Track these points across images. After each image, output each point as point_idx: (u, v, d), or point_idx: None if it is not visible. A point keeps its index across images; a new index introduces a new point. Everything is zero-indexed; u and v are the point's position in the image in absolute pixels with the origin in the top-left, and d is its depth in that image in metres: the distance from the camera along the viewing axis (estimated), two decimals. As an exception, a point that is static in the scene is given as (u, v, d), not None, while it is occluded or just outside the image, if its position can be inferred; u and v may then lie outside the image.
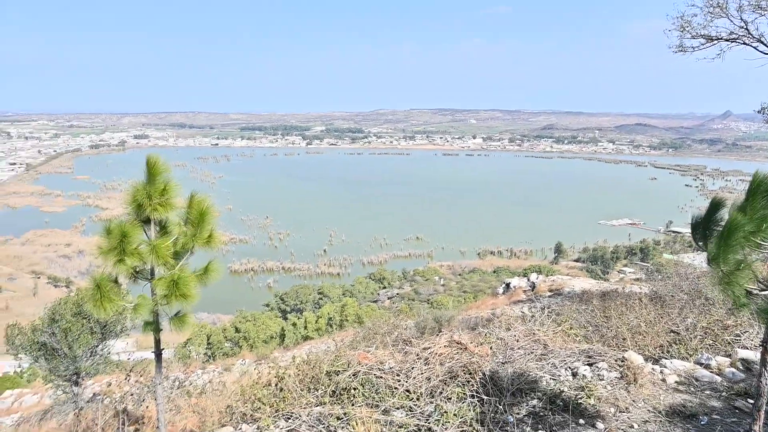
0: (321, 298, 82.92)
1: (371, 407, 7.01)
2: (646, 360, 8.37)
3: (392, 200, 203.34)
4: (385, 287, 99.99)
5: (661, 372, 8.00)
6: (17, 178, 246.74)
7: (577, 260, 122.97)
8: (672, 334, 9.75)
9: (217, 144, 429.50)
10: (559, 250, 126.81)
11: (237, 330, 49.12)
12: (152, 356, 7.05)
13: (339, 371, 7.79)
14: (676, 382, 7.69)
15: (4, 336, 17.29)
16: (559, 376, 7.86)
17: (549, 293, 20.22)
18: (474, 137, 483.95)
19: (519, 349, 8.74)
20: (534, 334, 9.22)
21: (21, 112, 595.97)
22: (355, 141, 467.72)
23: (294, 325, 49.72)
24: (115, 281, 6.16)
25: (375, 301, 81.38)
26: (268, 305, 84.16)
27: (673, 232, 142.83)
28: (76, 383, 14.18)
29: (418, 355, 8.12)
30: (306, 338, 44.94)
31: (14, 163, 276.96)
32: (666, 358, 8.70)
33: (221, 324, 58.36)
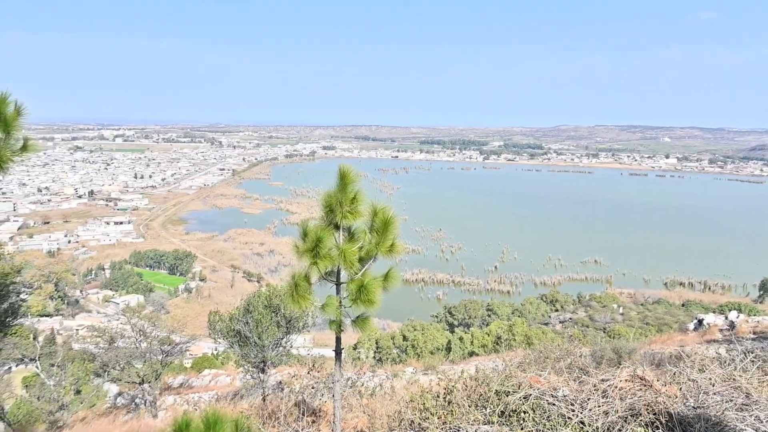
0: (489, 315, 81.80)
1: (542, 434, 6.73)
2: None
3: (570, 220, 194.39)
4: (557, 310, 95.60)
5: None
6: (224, 182, 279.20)
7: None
8: None
9: (396, 156, 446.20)
10: (765, 288, 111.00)
11: (405, 338, 50.29)
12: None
13: (509, 392, 7.60)
14: None
15: (207, 321, 19.62)
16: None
17: (752, 336, 17.81)
18: (667, 157, 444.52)
19: (714, 394, 7.79)
20: (734, 380, 8.16)
21: (231, 123, 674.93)
22: (533, 157, 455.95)
23: (461, 339, 49.61)
24: (309, 280, 6.68)
25: (545, 324, 78.21)
26: (436, 316, 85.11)
27: None
28: (263, 371, 15.60)
29: (595, 386, 7.63)
30: (471, 354, 44.60)
31: (223, 169, 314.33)
32: None
33: (390, 330, 60.31)
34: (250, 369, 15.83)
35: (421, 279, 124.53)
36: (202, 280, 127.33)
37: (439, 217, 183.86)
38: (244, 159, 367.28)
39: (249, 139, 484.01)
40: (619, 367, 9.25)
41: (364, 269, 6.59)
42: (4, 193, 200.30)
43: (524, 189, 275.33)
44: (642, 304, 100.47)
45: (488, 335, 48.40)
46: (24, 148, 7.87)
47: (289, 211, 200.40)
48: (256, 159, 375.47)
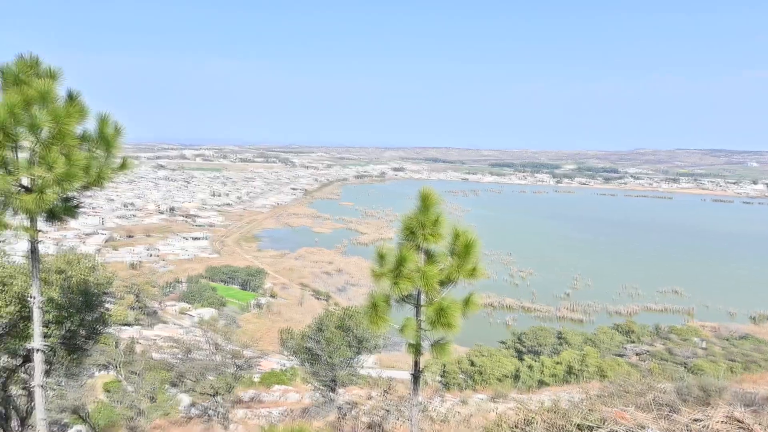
0: (560, 344, 79.11)
1: (628, 474, 6.36)
2: None
3: (648, 247, 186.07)
4: (632, 341, 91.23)
5: None
6: (296, 201, 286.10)
7: None
8: None
9: (466, 179, 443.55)
10: None
11: (472, 363, 49.37)
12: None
13: (592, 426, 7.25)
14: None
15: (277, 337, 19.96)
16: None
17: None
18: (754, 183, 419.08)
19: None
20: None
21: (304, 144, 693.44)
22: (608, 181, 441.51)
23: (530, 367, 48.23)
24: (388, 302, 6.66)
25: (620, 355, 74.80)
26: (504, 343, 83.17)
27: None
28: (333, 389, 15.69)
29: (687, 426, 7.16)
30: (541, 383, 43.14)
31: (295, 189, 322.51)
32: None
33: (457, 355, 59.36)
34: (320, 387, 15.96)
35: (489, 303, 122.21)
36: (272, 296, 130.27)
37: (510, 241, 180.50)
38: (315, 179, 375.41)
39: (321, 160, 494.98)
40: (708, 407, 8.65)
41: (444, 292, 6.51)
42: (93, 208, 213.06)
43: (599, 214, 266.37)
44: (727, 339, 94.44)
45: (559, 364, 46.78)
46: (122, 166, 8.36)
47: (359, 231, 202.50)
48: (327, 179, 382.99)
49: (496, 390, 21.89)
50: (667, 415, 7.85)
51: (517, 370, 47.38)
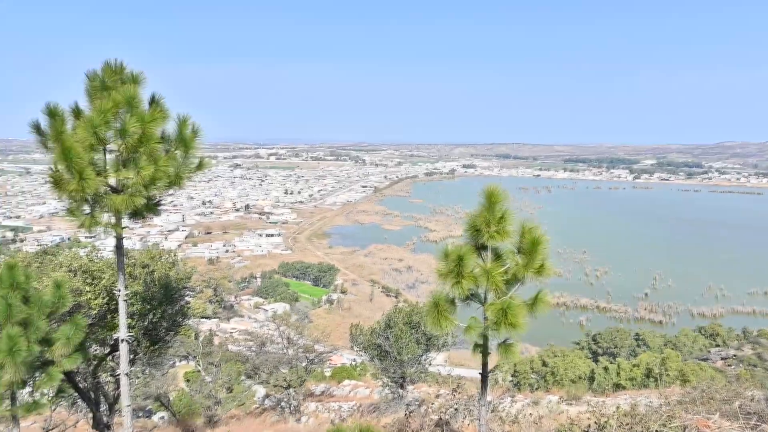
0: (638, 346, 76.04)
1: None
2: None
3: (735, 246, 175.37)
4: (718, 345, 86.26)
5: None
6: (366, 198, 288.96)
7: None
8: None
9: (539, 175, 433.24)
10: None
11: (544, 364, 48.23)
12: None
13: (669, 434, 6.94)
14: None
15: (347, 332, 20.27)
16: None
17: None
18: None
19: None
20: None
21: (374, 142, 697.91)
22: (691, 176, 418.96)
23: (605, 369, 46.53)
24: (451, 301, 6.63)
25: (704, 359, 70.81)
26: (578, 343, 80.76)
27: None
28: (402, 386, 15.78)
29: (775, 437, 6.72)
30: (617, 386, 41.59)
31: (365, 186, 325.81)
32: None
33: (528, 355, 58.16)
34: (389, 383, 16.09)
35: (562, 303, 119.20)
36: (343, 292, 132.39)
37: (584, 239, 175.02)
38: (385, 176, 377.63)
39: (391, 158, 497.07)
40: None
41: (511, 291, 6.42)
42: (175, 206, 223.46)
43: (680, 211, 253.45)
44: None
45: (637, 367, 44.88)
46: (199, 166, 8.75)
47: (428, 228, 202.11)
48: (396, 177, 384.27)
49: (569, 392, 21.32)
50: (756, 424, 7.41)
51: (592, 372, 45.84)
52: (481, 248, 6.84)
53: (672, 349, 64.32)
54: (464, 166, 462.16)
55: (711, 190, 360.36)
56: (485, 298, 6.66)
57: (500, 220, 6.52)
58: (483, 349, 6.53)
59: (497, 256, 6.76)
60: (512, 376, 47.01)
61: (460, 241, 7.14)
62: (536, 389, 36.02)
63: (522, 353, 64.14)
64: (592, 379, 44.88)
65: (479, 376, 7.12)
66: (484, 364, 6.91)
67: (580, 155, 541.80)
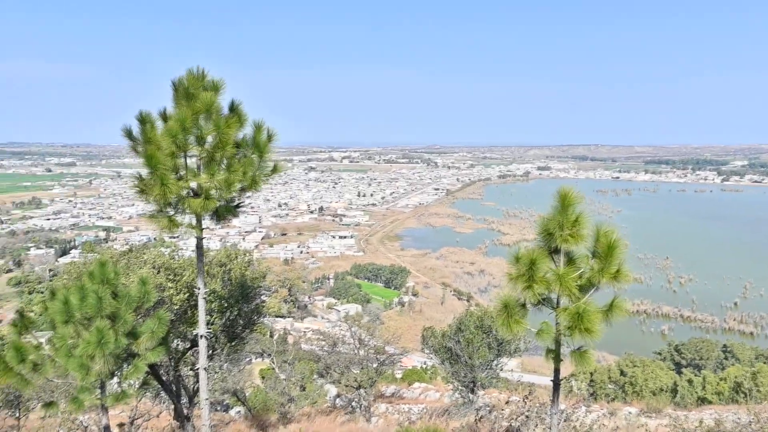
0: (726, 358, 71.54)
1: None
2: None
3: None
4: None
5: None
6: (438, 201, 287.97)
7: None
8: None
9: (618, 177, 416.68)
10: None
11: (623, 373, 46.31)
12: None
13: (758, 452, 6.51)
14: None
15: (419, 335, 20.25)
16: None
17: None
18: None
19: None
20: None
21: (446, 144, 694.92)
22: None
23: (689, 381, 44.12)
24: (523, 305, 6.51)
25: (802, 376, 65.89)
26: (659, 353, 77.00)
27: None
28: (472, 391, 15.61)
29: None
30: (701, 400, 39.37)
31: (437, 189, 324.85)
32: None
33: (606, 363, 56.07)
34: (460, 387, 15.96)
35: (643, 311, 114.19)
36: (414, 295, 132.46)
37: (667, 244, 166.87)
38: (457, 179, 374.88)
39: (463, 160, 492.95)
40: None
41: (586, 297, 6.22)
42: (252, 208, 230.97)
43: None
44: None
45: (724, 381, 42.38)
46: (274, 170, 9.05)
47: (501, 231, 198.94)
48: (469, 179, 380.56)
49: (649, 404, 20.39)
50: None
51: (675, 384, 43.53)
52: (553, 252, 6.69)
53: (764, 363, 60.19)
54: (539, 168, 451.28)
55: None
56: (557, 303, 6.49)
57: (574, 223, 6.34)
58: (555, 354, 6.36)
59: (571, 260, 6.58)
60: (588, 385, 45.49)
61: (533, 244, 6.99)
62: (613, 400, 34.65)
63: (598, 361, 61.98)
64: (674, 391, 42.68)
65: (551, 384, 6.94)
66: (557, 370, 6.73)
67: (663, 156, 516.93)
